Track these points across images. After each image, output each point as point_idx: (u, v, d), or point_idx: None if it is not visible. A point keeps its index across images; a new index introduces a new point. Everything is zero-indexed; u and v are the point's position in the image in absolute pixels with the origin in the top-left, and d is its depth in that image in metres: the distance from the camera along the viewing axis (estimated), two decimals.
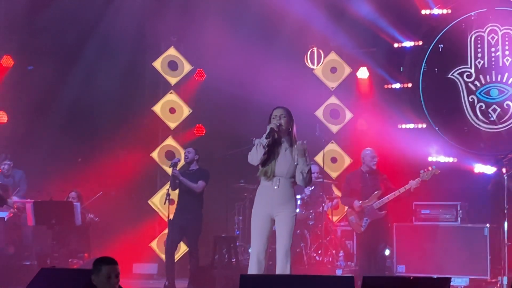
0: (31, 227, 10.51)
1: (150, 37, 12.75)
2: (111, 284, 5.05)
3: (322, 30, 12.25)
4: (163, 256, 11.59)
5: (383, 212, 9.37)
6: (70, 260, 10.26)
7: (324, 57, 12.58)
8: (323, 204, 10.88)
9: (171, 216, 10.01)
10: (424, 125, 12.14)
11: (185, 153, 10.31)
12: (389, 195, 9.34)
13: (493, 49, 11.78)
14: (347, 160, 12.39)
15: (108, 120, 12.34)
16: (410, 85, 12.33)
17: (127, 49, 12.41)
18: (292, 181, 6.96)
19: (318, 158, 11.75)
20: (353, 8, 12.08)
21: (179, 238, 10.23)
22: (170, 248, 10.09)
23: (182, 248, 11.32)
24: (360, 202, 9.47)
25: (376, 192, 9.41)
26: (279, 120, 6.92)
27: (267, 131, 6.85)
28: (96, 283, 5.06)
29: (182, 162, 10.57)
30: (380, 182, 9.49)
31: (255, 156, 6.85)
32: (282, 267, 6.80)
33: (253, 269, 6.82)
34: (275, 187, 6.88)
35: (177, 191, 10.23)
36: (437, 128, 12.09)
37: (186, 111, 12.66)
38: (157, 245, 12.21)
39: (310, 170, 6.94)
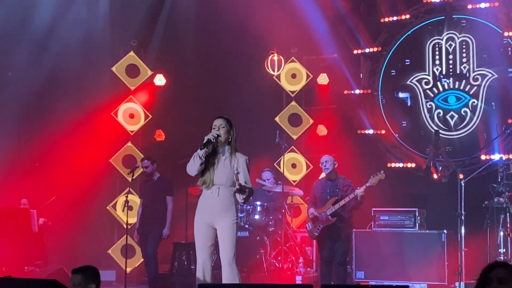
0: None
1: (110, 42, 12.63)
2: None
3: (282, 36, 12.27)
4: (121, 263, 11.49)
5: (334, 218, 9.28)
6: (26, 267, 10.10)
7: (285, 63, 12.61)
8: (283, 210, 10.89)
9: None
10: (383, 131, 12.24)
11: (143, 168, 10.32)
12: (340, 202, 9.25)
13: (450, 56, 11.93)
14: (307, 167, 12.42)
15: (66, 125, 12.17)
16: (369, 91, 12.43)
17: (87, 53, 12.27)
18: (233, 189, 7.00)
19: (277, 164, 11.77)
20: (313, 14, 12.13)
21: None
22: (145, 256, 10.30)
23: (139, 256, 11.27)
24: (314, 210, 9.44)
25: (332, 198, 9.38)
26: (218, 130, 6.98)
27: (204, 141, 6.88)
28: None
29: (140, 169, 10.54)
30: (340, 189, 9.44)
31: (192, 166, 6.92)
32: (228, 277, 6.83)
33: (200, 279, 6.87)
34: (215, 196, 6.91)
35: (136, 198, 10.37)
36: (396, 134, 12.20)
37: (145, 116, 12.58)
38: (115, 252, 12.08)
39: (251, 190, 7.01)
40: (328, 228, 9.28)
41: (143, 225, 10.29)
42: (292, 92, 12.70)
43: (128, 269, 10.70)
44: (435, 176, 10.83)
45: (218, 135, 6.94)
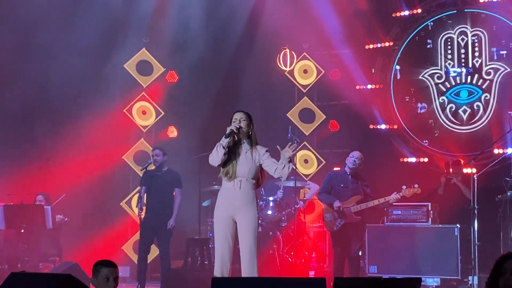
0: (2, 231, 10.38)
1: (122, 39, 12.68)
2: (109, 286, 5.18)
3: (294, 32, 12.28)
4: (135, 259, 11.53)
5: (359, 217, 9.33)
6: (41, 264, 10.16)
7: (297, 59, 12.62)
8: (296, 206, 10.90)
9: (143, 215, 9.96)
10: (396, 126, 12.23)
11: (153, 156, 10.23)
12: (368, 203, 9.26)
13: (463, 51, 11.89)
14: (320, 162, 12.43)
15: (79, 122, 12.23)
16: (381, 86, 12.42)
17: (98, 51, 12.31)
18: (253, 182, 7.08)
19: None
20: (325, 10, 12.12)
21: (151, 240, 10.20)
22: (143, 251, 10.06)
23: (154, 251, 11.25)
24: (340, 203, 9.41)
25: (356, 196, 9.37)
26: (239, 123, 7.03)
27: (227, 132, 6.95)
28: (95, 285, 5.23)
29: (153, 166, 10.51)
30: (360, 187, 9.47)
31: (216, 156, 6.96)
32: (248, 270, 6.85)
33: (217, 271, 6.88)
34: (237, 188, 6.94)
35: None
36: (408, 129, 12.18)
37: (158, 113, 12.63)
38: (129, 248, 12.15)
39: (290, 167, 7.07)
40: (349, 225, 9.30)
41: (150, 218, 10.00)
42: (304, 86, 12.71)
43: None
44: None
45: (241, 127, 7.00)
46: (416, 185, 9.40)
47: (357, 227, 9.41)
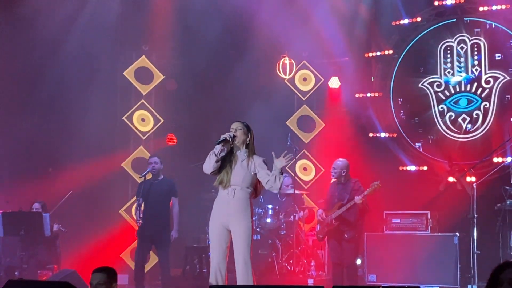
0: (0, 238, 10.35)
1: (122, 47, 12.69)
2: None
3: (294, 40, 12.29)
4: (133, 267, 11.50)
5: (336, 223, 9.39)
6: (39, 271, 10.13)
7: (296, 67, 12.63)
8: (295, 214, 10.89)
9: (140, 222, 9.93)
10: (395, 134, 12.22)
11: (151, 164, 10.21)
12: (342, 208, 9.39)
13: (462, 59, 11.89)
14: (318, 170, 12.42)
15: (78, 129, 12.23)
16: (381, 94, 12.41)
17: (98, 58, 12.32)
18: (249, 191, 7.07)
19: (289, 168, 11.78)
20: (325, 18, 12.13)
21: (148, 249, 10.18)
22: (141, 259, 10.02)
23: (153, 259, 11.25)
24: (322, 212, 9.56)
25: (338, 202, 9.50)
26: (235, 132, 7.08)
27: (220, 139, 6.98)
28: None
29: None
30: (348, 193, 9.51)
31: (208, 164, 7.00)
32: (243, 280, 6.84)
33: (213, 279, 6.88)
34: (231, 197, 6.94)
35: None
36: (407, 137, 12.17)
37: (157, 120, 12.63)
38: (127, 256, 12.13)
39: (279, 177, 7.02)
40: (333, 231, 9.42)
41: (147, 227, 9.95)
42: (304, 93, 12.70)
43: None
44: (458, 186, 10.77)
45: (235, 135, 7.04)
46: (377, 182, 9.38)
47: (340, 233, 9.46)
